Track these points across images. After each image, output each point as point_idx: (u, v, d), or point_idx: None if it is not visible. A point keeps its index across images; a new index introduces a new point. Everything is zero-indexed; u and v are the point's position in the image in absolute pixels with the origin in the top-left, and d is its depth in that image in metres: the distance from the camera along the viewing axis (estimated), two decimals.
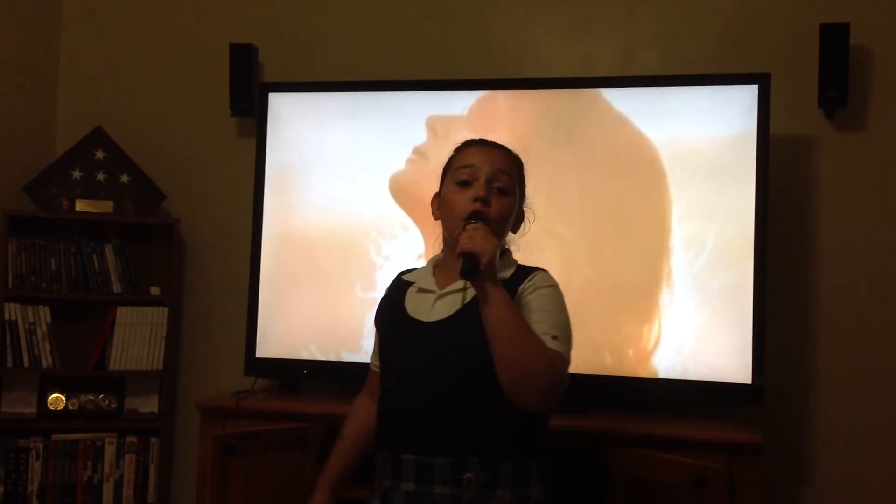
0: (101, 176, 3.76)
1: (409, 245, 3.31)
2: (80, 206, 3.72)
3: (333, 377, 3.39)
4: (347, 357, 3.32)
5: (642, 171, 3.14)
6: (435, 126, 3.33)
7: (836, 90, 3.16)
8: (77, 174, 3.74)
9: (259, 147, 3.49)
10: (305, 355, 3.38)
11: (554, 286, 2.04)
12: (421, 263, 3.22)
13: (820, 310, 3.26)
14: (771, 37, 3.34)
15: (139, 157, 3.79)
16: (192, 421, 3.38)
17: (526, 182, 2.16)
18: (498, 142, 2.14)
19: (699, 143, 3.10)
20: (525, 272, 2.07)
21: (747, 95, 3.05)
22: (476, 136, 2.19)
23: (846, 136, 3.27)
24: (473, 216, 1.97)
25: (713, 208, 3.06)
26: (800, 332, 3.27)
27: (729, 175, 3.06)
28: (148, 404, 3.73)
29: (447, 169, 2.13)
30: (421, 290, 2.10)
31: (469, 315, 1.95)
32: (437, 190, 2.17)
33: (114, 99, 3.97)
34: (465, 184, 2.02)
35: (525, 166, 2.17)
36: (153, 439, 3.66)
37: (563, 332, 1.96)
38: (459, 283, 2.02)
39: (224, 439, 2.77)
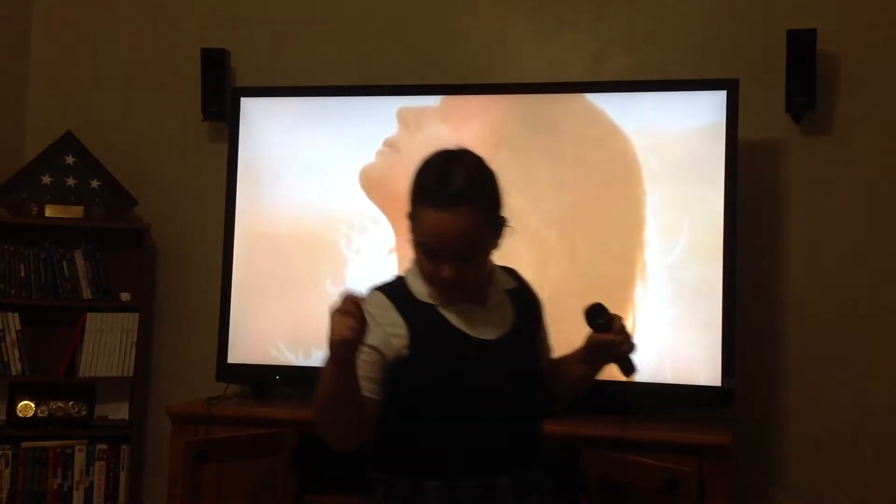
0: (71, 181, 3.73)
1: (380, 239, 3.31)
2: (49, 211, 3.69)
3: (306, 382, 3.38)
4: (318, 354, 3.31)
5: (615, 164, 3.16)
6: (406, 118, 3.33)
7: (804, 95, 3.20)
8: (47, 179, 3.71)
9: (231, 151, 3.47)
10: (274, 353, 3.37)
11: None
12: (392, 258, 3.26)
13: (788, 312, 3.29)
14: (739, 42, 3.37)
15: (110, 161, 3.76)
16: (164, 428, 3.36)
17: (500, 180, 2.02)
18: (456, 179, 1.89)
19: (668, 148, 3.12)
20: (512, 273, 2.14)
21: (716, 100, 3.08)
22: (446, 145, 2.00)
23: (813, 140, 3.31)
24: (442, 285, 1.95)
25: (682, 212, 3.09)
26: (769, 334, 3.30)
27: (698, 179, 3.08)
28: (118, 411, 3.70)
29: (412, 208, 1.96)
30: (457, 307, 1.98)
31: (521, 329, 2.04)
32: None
33: (84, 103, 3.94)
34: (430, 253, 1.93)
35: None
36: (124, 446, 3.63)
37: None
38: (497, 297, 2.03)
39: (196, 445, 2.75)
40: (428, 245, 1.91)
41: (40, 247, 3.65)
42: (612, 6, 3.51)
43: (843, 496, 3.21)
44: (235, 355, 3.40)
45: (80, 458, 3.59)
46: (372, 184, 3.33)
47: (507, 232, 2.01)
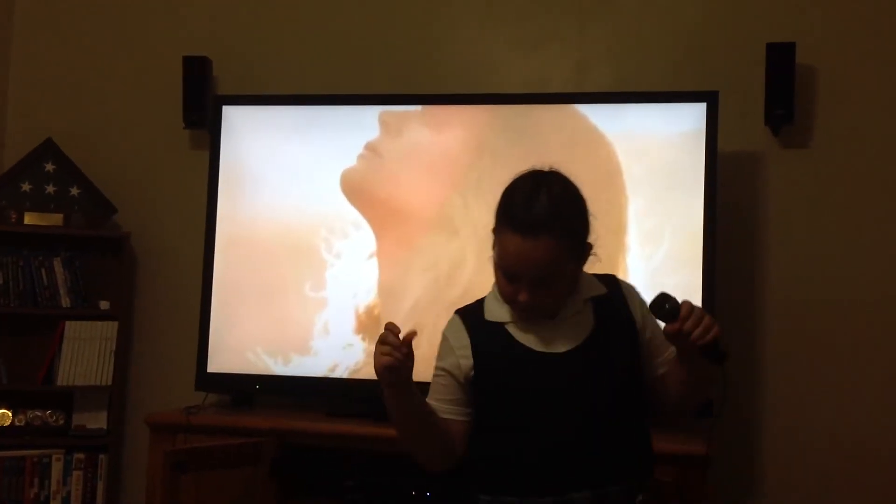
0: (50, 188, 3.71)
1: (360, 243, 3.31)
2: (28, 218, 3.67)
3: (285, 391, 3.37)
4: (297, 360, 3.30)
5: (597, 170, 3.17)
6: (388, 121, 3.33)
7: (783, 107, 3.23)
8: (26, 186, 3.69)
9: (212, 160, 3.47)
10: (253, 358, 3.36)
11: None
12: (373, 262, 3.27)
13: (767, 322, 3.31)
14: (720, 55, 3.40)
15: (90, 169, 3.75)
16: (142, 437, 3.34)
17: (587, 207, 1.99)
18: (542, 207, 1.86)
19: (649, 157, 3.14)
20: (607, 280, 2.05)
21: (697, 111, 3.10)
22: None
23: (792, 152, 3.34)
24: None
25: (664, 219, 3.11)
26: (748, 343, 3.31)
27: (680, 188, 3.10)
28: (96, 420, 3.67)
29: (497, 226, 1.91)
30: (526, 323, 1.96)
31: (599, 338, 1.94)
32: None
33: (65, 111, 3.93)
34: (508, 276, 1.90)
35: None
36: (101, 456, 3.61)
37: None
38: (574, 307, 1.96)
39: (174, 455, 2.74)
40: (506, 269, 1.89)
41: (19, 254, 3.63)
42: (595, 18, 3.53)
43: None
44: (215, 363, 3.39)
45: (57, 468, 3.57)
46: (353, 187, 3.33)
47: (592, 259, 1.97)
